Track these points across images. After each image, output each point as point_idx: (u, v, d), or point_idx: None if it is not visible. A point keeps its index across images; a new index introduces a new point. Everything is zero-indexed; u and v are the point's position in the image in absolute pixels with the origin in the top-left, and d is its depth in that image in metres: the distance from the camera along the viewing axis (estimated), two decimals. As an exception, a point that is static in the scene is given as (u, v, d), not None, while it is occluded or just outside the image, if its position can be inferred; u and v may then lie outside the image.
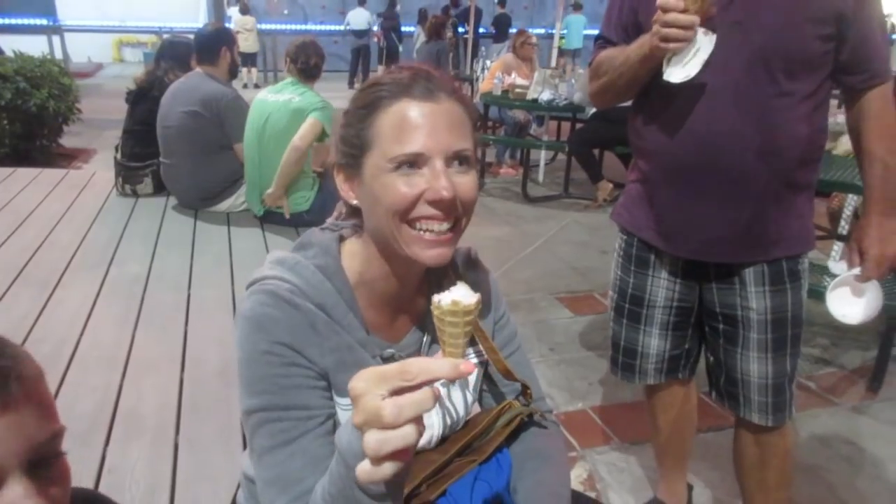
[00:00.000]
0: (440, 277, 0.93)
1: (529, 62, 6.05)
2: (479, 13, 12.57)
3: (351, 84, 12.43)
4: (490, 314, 1.00)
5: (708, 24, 1.23)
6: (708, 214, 1.39)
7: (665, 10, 1.20)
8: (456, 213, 0.81)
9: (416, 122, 0.79)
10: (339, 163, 0.87)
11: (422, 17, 11.55)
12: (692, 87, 1.29)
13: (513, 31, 12.57)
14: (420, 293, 0.93)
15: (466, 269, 1.00)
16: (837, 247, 3.29)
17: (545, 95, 5.20)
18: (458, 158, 0.80)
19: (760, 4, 1.26)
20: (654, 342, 1.60)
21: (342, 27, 13.15)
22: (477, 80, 7.53)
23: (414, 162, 0.78)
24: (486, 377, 1.01)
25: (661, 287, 1.55)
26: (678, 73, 1.26)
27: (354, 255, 0.89)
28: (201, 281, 2.73)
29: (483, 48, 13.21)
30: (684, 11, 1.19)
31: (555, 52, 8.67)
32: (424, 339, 0.94)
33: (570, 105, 5.15)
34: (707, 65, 1.24)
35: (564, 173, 5.57)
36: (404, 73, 0.83)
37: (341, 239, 0.91)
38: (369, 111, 0.81)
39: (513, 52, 6.17)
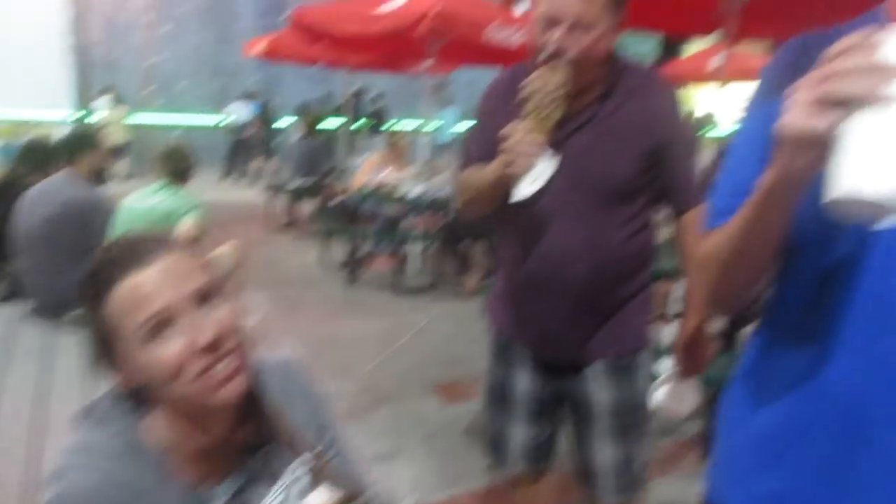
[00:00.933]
0: (249, 405, 0.89)
1: (403, 157, 6.38)
2: (357, 105, 13.04)
3: (226, 176, 12.30)
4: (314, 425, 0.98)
5: (550, 145, 1.42)
6: (553, 319, 1.57)
7: (510, 136, 1.39)
8: (228, 345, 0.81)
9: (143, 291, 0.79)
10: (95, 362, 0.87)
11: (300, 111, 11.76)
12: (536, 206, 1.47)
13: (389, 123, 13.17)
14: (237, 427, 0.90)
15: (281, 386, 0.96)
16: (669, 328, 3.66)
17: (418, 190, 5.50)
18: (199, 298, 0.81)
19: (587, 133, 1.48)
20: (519, 431, 1.72)
21: (219, 120, 13.09)
22: (353, 172, 7.78)
23: (162, 322, 0.79)
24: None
25: (525, 378, 1.69)
26: (522, 191, 1.41)
27: (157, 428, 0.86)
28: (60, 394, 2.63)
29: (361, 140, 13.61)
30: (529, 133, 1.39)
31: (428, 146, 9.14)
32: (241, 480, 0.90)
33: (442, 200, 5.46)
34: (548, 185, 1.41)
35: (437, 264, 5.83)
36: (106, 254, 0.84)
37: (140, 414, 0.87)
38: (96, 304, 0.81)
39: (387, 147, 6.49)
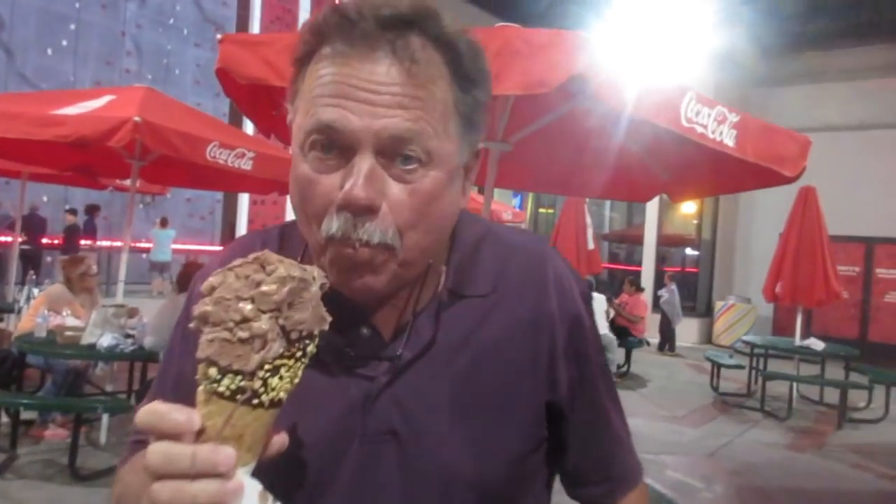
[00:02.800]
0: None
1: (89, 295, 5.04)
2: (41, 221, 10.94)
3: None
4: None
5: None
6: None
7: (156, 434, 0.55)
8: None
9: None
10: None
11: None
12: None
13: (86, 244, 11.20)
14: None
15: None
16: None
17: (106, 340, 4.24)
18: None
19: (423, 401, 0.75)
20: None
21: None
22: (19, 312, 6.04)
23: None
24: None
25: None
26: None
27: None
28: None
29: (49, 259, 11.36)
30: (200, 433, 0.54)
31: (137, 266, 7.72)
32: None
33: (140, 351, 4.29)
34: None
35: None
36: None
37: None
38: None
39: (66, 283, 5.05)
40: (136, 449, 0.77)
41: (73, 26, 13.11)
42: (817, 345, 7.37)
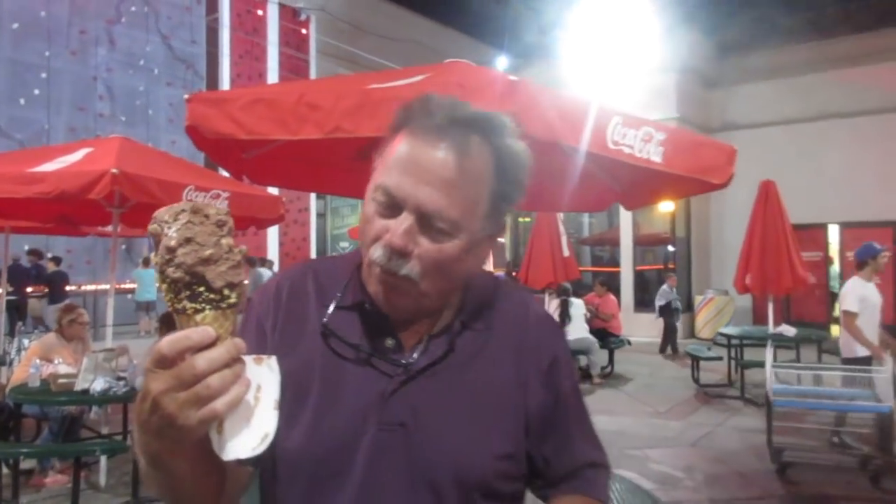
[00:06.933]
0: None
1: (80, 342, 5.18)
2: (24, 271, 10.99)
3: None
4: None
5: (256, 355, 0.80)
6: None
7: (179, 356, 0.72)
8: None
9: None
10: None
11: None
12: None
13: (72, 289, 11.27)
14: None
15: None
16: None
17: (99, 384, 4.39)
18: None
19: (430, 403, 0.95)
20: None
21: None
22: (11, 364, 6.16)
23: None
24: None
25: None
26: (248, 437, 0.76)
27: None
28: None
29: (42, 306, 11.36)
30: (215, 343, 0.73)
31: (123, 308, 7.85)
32: None
33: (133, 392, 4.43)
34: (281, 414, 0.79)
35: (134, 470, 4.65)
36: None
37: None
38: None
39: (57, 331, 5.21)
40: None
41: (44, 75, 13.18)
42: (789, 331, 7.63)
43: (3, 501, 4.32)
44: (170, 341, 0.72)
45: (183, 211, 0.74)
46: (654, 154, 2.51)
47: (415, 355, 0.96)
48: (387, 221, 0.91)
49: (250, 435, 0.76)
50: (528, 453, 1.02)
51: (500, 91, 2.05)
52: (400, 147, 0.92)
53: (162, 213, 0.75)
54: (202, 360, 0.71)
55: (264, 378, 0.78)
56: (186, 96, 2.62)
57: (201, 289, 0.74)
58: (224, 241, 0.75)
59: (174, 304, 0.74)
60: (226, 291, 0.75)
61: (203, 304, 0.74)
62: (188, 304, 0.74)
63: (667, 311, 11.47)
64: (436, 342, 0.98)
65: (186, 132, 2.65)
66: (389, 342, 0.98)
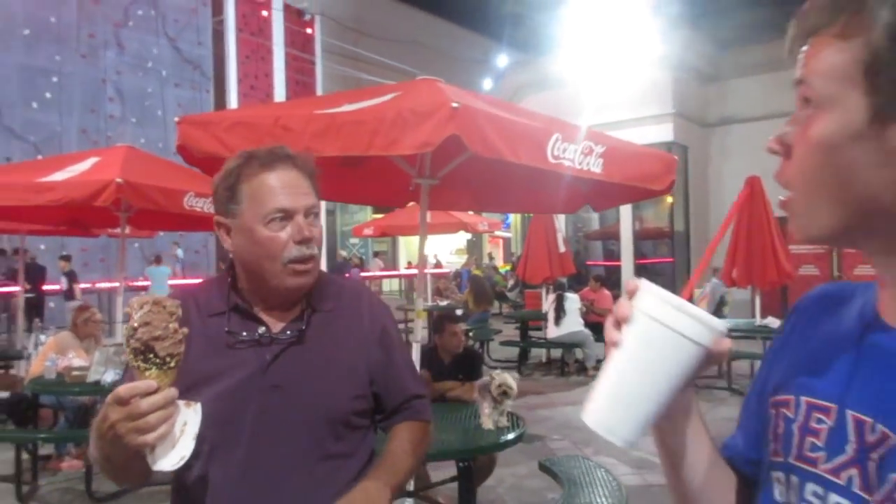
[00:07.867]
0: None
1: (93, 339, 5.54)
2: (41, 270, 11.42)
3: None
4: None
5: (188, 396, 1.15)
6: None
7: (131, 398, 1.04)
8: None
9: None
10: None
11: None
12: (222, 465, 1.25)
13: (86, 286, 11.70)
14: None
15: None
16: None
17: (109, 376, 4.73)
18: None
19: (298, 366, 1.32)
20: None
21: None
22: (28, 358, 6.55)
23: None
24: None
25: None
26: (171, 457, 1.11)
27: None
28: None
29: (52, 304, 11.80)
30: (156, 391, 1.05)
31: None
32: None
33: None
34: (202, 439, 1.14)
35: (142, 456, 4.99)
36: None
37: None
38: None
39: (72, 329, 5.57)
40: None
41: (55, 79, 13.53)
42: (774, 323, 7.85)
43: (24, 483, 4.70)
44: (126, 388, 1.05)
45: (147, 302, 1.08)
46: (594, 166, 2.79)
47: (282, 336, 1.34)
48: (284, 231, 1.29)
49: (173, 456, 1.11)
50: (374, 393, 1.42)
51: (444, 116, 2.35)
52: (265, 181, 1.31)
53: (134, 301, 1.10)
54: (145, 403, 1.04)
55: (190, 417, 1.12)
56: (176, 119, 2.94)
57: (151, 355, 1.06)
58: (171, 325, 1.07)
59: (133, 363, 1.08)
60: (167, 359, 1.07)
61: (151, 365, 1.07)
62: (142, 364, 1.06)
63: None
64: (295, 324, 1.36)
65: (178, 151, 2.96)
66: (262, 329, 1.34)
